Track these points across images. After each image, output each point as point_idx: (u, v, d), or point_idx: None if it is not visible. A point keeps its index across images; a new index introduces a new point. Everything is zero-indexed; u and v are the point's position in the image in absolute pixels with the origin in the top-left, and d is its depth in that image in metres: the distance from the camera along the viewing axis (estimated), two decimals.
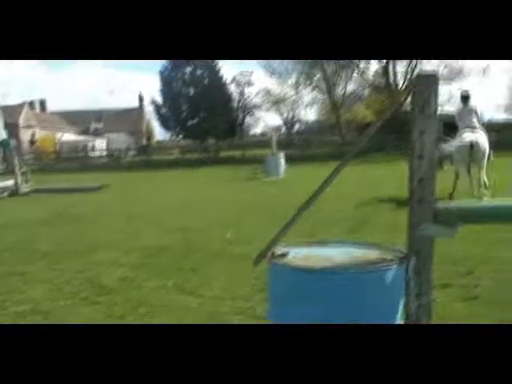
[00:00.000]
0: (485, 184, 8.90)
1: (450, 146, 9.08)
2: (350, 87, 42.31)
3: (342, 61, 36.37)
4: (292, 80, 40.45)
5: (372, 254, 2.33)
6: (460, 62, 36.45)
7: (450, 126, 10.03)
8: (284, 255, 2.34)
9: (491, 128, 15.40)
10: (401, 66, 36.88)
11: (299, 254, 2.36)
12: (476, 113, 9.77)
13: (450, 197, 8.84)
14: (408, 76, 35.43)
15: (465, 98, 9.93)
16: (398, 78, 36.20)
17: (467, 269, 4.90)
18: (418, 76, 2.16)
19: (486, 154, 8.96)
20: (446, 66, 36.39)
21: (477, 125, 9.54)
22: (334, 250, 2.42)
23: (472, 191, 8.96)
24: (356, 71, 38.60)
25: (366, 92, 42.28)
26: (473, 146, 8.78)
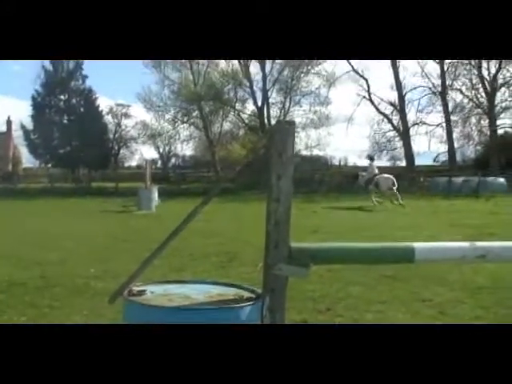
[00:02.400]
0: (398, 199, 18.14)
1: (384, 179, 18.82)
2: (226, 126, 43.34)
3: (219, 101, 37.31)
4: (170, 115, 40.57)
5: (229, 293, 2.36)
6: (328, 108, 38.92)
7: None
8: (141, 293, 2.30)
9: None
10: (275, 109, 38.54)
11: (156, 292, 2.34)
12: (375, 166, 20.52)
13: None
14: (281, 118, 37.02)
15: (371, 158, 22.37)
16: (272, 120, 37.75)
17: (326, 306, 5.12)
18: (277, 123, 2.26)
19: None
20: (315, 112, 38.57)
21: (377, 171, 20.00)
22: (192, 289, 2.42)
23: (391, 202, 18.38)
24: (232, 112, 39.64)
25: (241, 132, 43.46)
26: (393, 180, 18.57)
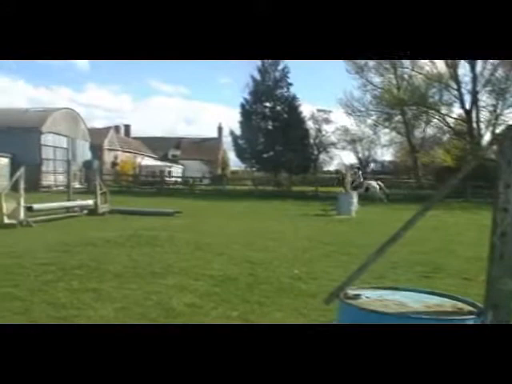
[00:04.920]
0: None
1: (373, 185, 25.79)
2: (430, 131, 41.74)
3: (423, 105, 36.04)
4: (371, 120, 40.31)
5: (447, 305, 2.26)
6: None
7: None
8: (356, 297, 2.31)
9: None
10: (484, 113, 36.01)
11: (371, 297, 2.33)
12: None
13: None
14: (492, 122, 34.54)
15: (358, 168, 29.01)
16: (481, 124, 35.31)
17: None
18: (508, 129, 2.11)
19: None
20: None
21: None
22: (407, 297, 2.37)
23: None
24: (437, 116, 37.97)
25: (446, 137, 41.49)
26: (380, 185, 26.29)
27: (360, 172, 27.28)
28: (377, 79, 38.64)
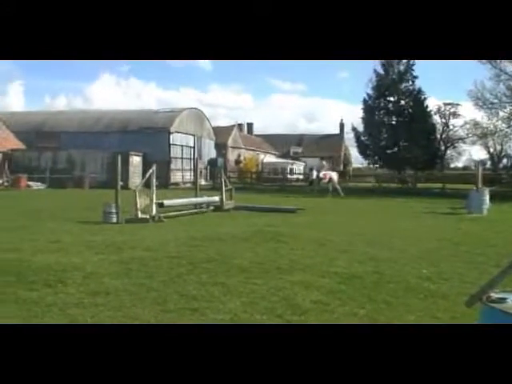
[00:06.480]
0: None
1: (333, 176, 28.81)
2: None
3: None
4: (505, 112, 37.81)
5: None
6: None
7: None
8: (501, 300, 2.15)
9: None
10: None
11: None
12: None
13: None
14: None
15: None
16: None
17: None
18: None
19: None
20: None
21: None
22: None
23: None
24: None
25: None
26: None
27: (324, 163, 33.21)
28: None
